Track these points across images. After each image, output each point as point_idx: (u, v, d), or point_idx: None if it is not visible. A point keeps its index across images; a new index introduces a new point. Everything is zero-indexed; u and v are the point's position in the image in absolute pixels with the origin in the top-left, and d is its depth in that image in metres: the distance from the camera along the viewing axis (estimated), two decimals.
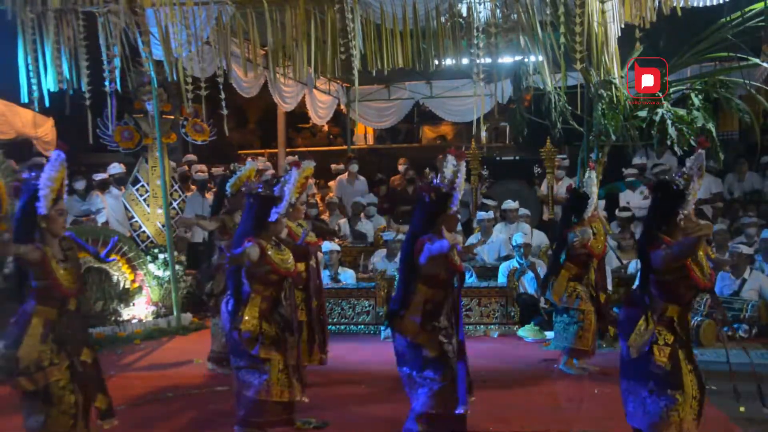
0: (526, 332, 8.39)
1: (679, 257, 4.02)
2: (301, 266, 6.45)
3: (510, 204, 10.30)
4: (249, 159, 7.17)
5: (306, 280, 6.33)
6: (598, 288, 6.94)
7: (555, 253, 7.01)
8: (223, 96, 8.10)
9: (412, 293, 4.80)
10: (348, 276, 9.32)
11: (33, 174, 4.22)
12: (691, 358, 4.21)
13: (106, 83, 8.25)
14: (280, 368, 4.94)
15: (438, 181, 4.87)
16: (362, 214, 11.37)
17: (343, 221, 11.36)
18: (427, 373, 4.73)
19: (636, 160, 11.01)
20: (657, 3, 7.44)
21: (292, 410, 5.08)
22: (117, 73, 8.30)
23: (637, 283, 4.45)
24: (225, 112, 8.18)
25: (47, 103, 8.41)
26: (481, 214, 10.21)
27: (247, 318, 4.91)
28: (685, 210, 4.09)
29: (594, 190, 6.88)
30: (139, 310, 9.18)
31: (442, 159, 5.15)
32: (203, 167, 11.64)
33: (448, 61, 9.83)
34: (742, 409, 5.16)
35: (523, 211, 10.29)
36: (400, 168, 12.94)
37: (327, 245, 9.30)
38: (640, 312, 4.14)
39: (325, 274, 9.06)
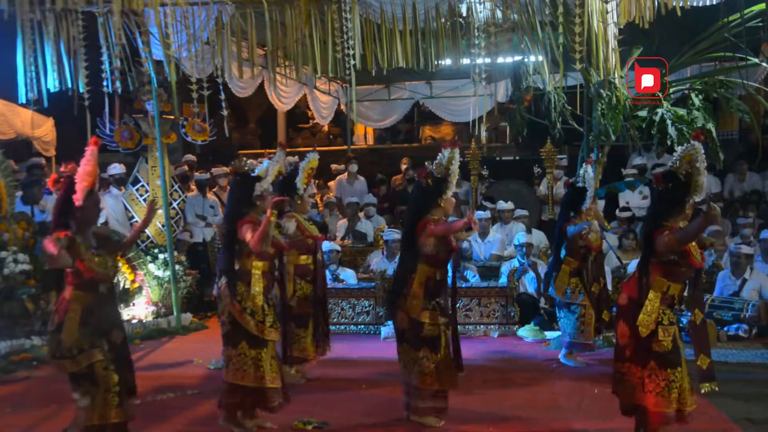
0: (526, 332, 8.38)
1: (682, 242, 4.25)
2: (308, 259, 6.55)
3: (504, 205, 10.36)
4: (273, 155, 7.06)
5: (313, 273, 6.63)
6: (594, 279, 7.09)
7: (556, 249, 7.12)
8: (222, 96, 8.10)
9: (413, 272, 5.19)
10: (348, 275, 9.32)
11: (68, 168, 4.57)
12: (680, 335, 4.49)
13: (105, 84, 8.25)
14: (272, 354, 5.15)
15: (433, 168, 5.24)
16: (362, 214, 11.35)
17: (343, 222, 11.36)
18: (424, 352, 5.15)
19: (637, 161, 11.01)
20: (656, 3, 7.44)
21: (282, 397, 5.20)
22: (116, 73, 8.29)
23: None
24: (225, 112, 8.19)
25: (46, 104, 8.40)
26: (479, 213, 10.22)
27: (253, 294, 5.04)
28: (693, 199, 4.33)
29: (592, 184, 7.03)
30: (139, 310, 9.18)
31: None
32: (185, 167, 11.56)
33: (448, 61, 9.83)
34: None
35: (520, 212, 10.32)
36: (403, 167, 12.94)
37: (327, 245, 9.29)
38: (644, 294, 4.37)
39: (326, 273, 9.08)
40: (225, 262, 5.20)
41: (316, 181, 13.39)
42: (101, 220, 9.97)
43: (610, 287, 8.17)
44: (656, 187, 4.49)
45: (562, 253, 7.01)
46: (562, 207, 7.20)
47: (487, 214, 10.21)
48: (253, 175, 5.27)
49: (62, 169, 4.63)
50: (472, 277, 9.19)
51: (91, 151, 4.51)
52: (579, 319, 6.93)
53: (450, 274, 5.44)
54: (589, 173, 7.06)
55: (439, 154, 5.33)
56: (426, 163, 5.47)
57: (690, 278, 4.53)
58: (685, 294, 4.76)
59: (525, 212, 10.38)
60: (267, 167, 5.51)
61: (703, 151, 4.30)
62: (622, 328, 4.47)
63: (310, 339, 6.63)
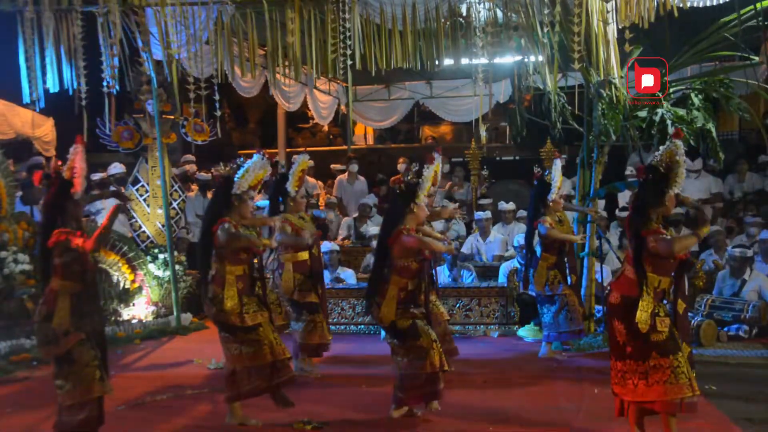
0: (526, 332, 8.39)
1: (671, 252, 4.37)
2: (305, 255, 6.74)
3: (505, 206, 10.39)
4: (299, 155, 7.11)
5: (309, 267, 6.79)
6: (571, 269, 7.29)
7: (529, 246, 7.28)
8: (217, 97, 8.12)
9: (386, 283, 5.29)
10: (348, 275, 9.33)
11: (58, 166, 4.77)
12: (673, 325, 4.56)
13: (104, 84, 8.24)
14: (270, 330, 5.31)
15: (407, 175, 5.42)
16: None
17: (347, 220, 11.37)
18: (410, 342, 5.26)
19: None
20: (656, 3, 7.43)
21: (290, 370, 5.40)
22: (115, 72, 8.29)
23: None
24: (219, 113, 8.21)
25: (43, 104, 8.40)
26: (479, 214, 10.23)
27: (228, 298, 5.20)
28: (672, 190, 4.48)
29: (557, 177, 7.15)
30: (139, 310, 9.18)
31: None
32: (186, 167, 11.59)
33: (448, 61, 9.82)
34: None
35: (522, 212, 10.32)
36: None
37: (327, 245, 9.29)
38: (638, 291, 4.43)
39: (325, 274, 9.09)
40: (201, 266, 5.40)
41: (327, 182, 13.43)
42: (101, 220, 10.01)
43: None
44: (639, 179, 4.64)
45: (538, 250, 7.20)
46: (531, 201, 7.37)
47: (488, 214, 10.22)
48: (232, 177, 5.37)
49: (52, 166, 4.80)
50: (469, 277, 9.20)
51: (81, 149, 4.73)
52: (564, 308, 7.08)
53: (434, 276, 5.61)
54: (556, 166, 7.19)
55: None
56: (401, 159, 5.59)
57: (675, 270, 4.62)
58: None
59: (523, 213, 10.38)
60: (248, 170, 5.52)
61: (683, 148, 4.47)
62: (619, 326, 4.53)
63: (325, 323, 6.79)
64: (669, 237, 4.41)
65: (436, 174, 5.67)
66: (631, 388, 4.48)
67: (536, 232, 7.18)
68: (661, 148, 4.58)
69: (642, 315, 4.39)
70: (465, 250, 10.04)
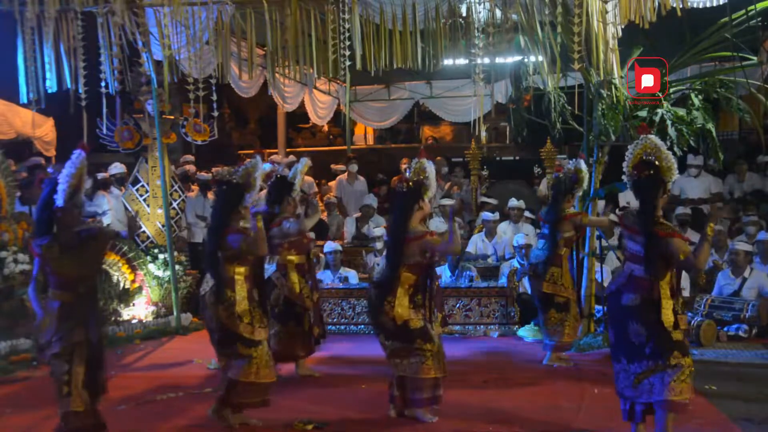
0: (526, 332, 8.39)
1: (701, 265, 4.51)
2: (303, 258, 6.76)
3: (514, 203, 10.31)
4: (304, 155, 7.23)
5: (308, 271, 6.81)
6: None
7: (554, 242, 6.99)
8: (215, 98, 8.12)
9: (397, 279, 5.30)
10: (351, 275, 9.34)
11: (55, 170, 4.79)
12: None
13: (103, 84, 8.24)
14: (266, 350, 5.28)
15: (410, 174, 5.42)
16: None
17: (349, 220, 11.37)
18: (419, 343, 5.25)
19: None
20: (657, 3, 7.44)
21: (269, 392, 5.37)
22: (115, 73, 8.29)
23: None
24: (216, 113, 8.24)
25: (43, 104, 8.40)
26: (487, 215, 10.20)
27: (239, 299, 5.19)
28: (671, 180, 4.59)
29: (585, 177, 7.16)
30: (139, 310, 9.19)
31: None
32: (186, 167, 11.61)
33: (448, 61, 9.81)
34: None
35: (526, 213, 10.31)
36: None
37: (330, 245, 9.31)
38: (655, 290, 4.41)
39: (327, 274, 9.13)
40: (210, 269, 5.31)
41: (321, 181, 13.44)
42: (108, 221, 9.99)
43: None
44: (641, 176, 4.60)
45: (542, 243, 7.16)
46: (554, 197, 7.15)
47: (496, 215, 10.19)
48: (238, 183, 5.32)
49: (51, 170, 4.73)
50: (473, 278, 9.20)
51: (77, 154, 4.66)
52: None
53: (443, 274, 5.57)
54: (580, 165, 7.15)
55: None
56: (404, 159, 5.55)
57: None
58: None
59: (529, 214, 10.37)
60: (255, 175, 5.50)
61: (655, 139, 4.59)
62: (636, 328, 4.45)
63: (311, 329, 6.77)
64: (692, 255, 4.41)
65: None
66: (647, 388, 4.41)
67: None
68: (629, 148, 4.64)
69: (667, 315, 4.38)
70: (469, 249, 10.04)
